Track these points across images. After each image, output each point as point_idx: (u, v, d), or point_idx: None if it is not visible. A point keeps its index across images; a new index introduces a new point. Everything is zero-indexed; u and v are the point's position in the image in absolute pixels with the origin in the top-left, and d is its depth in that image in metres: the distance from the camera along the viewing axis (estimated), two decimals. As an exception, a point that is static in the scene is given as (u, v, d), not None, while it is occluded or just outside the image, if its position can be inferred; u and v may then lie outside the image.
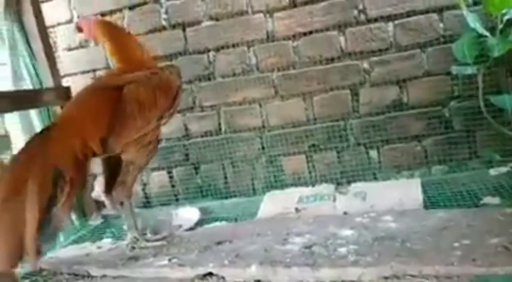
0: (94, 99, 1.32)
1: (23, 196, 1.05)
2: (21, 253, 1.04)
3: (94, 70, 2.22)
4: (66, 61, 2.22)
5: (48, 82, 1.96)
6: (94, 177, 2.27)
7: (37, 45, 1.93)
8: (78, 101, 1.35)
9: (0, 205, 1.05)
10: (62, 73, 2.14)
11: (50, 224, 1.08)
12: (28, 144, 1.17)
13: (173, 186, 2.21)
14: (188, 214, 1.89)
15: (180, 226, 1.81)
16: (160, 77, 1.38)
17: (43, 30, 1.97)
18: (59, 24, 2.21)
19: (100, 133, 1.21)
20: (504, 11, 1.66)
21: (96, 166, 2.17)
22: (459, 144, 1.88)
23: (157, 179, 2.23)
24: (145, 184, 2.24)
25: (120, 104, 1.25)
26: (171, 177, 2.22)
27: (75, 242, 1.83)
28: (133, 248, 1.50)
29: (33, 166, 1.09)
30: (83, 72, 2.23)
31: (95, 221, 2.07)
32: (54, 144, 1.14)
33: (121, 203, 1.42)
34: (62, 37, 2.22)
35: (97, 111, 1.26)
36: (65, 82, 2.13)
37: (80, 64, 2.22)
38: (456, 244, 1.13)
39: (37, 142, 1.16)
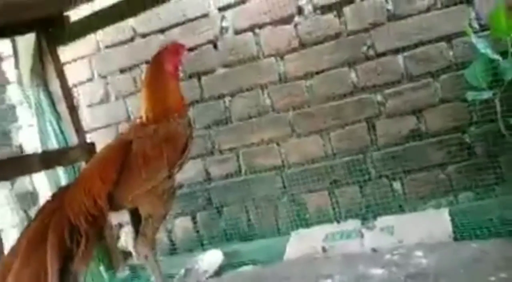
0: (105, 155, 1.42)
1: (44, 247, 1.15)
2: None
3: (116, 124, 2.30)
4: (88, 117, 2.32)
5: (73, 139, 2.05)
6: (120, 226, 2.31)
7: (62, 106, 2.04)
8: (95, 158, 1.46)
9: (25, 252, 1.16)
10: (85, 128, 2.23)
11: (69, 277, 1.16)
12: (52, 197, 1.31)
13: (197, 231, 2.22)
14: (211, 257, 1.88)
15: (205, 272, 1.79)
16: (168, 130, 1.38)
17: (67, 91, 2.08)
18: (80, 83, 2.33)
19: (106, 188, 1.27)
20: (512, 34, 1.67)
21: (122, 215, 2.22)
22: (484, 169, 1.84)
23: (181, 225, 2.25)
24: (169, 231, 2.26)
25: (127, 159, 1.31)
26: (195, 222, 2.23)
27: (105, 295, 1.84)
28: None
29: (53, 219, 1.20)
30: (106, 127, 2.32)
31: (123, 272, 2.08)
32: (69, 199, 1.26)
33: (146, 256, 1.42)
34: (84, 94, 2.33)
35: (105, 168, 1.33)
36: (89, 138, 2.21)
37: (102, 119, 2.32)
38: (492, 278, 1.09)
39: (58, 196, 1.30)
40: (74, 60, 2.32)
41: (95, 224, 1.24)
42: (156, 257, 1.50)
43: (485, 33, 1.80)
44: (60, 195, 1.31)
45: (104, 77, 2.31)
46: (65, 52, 2.21)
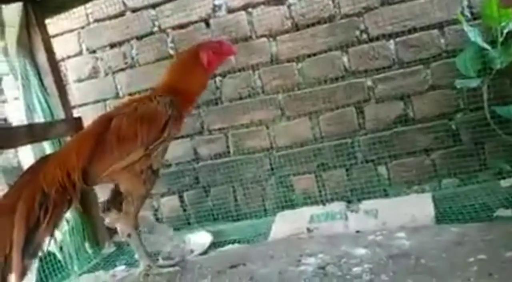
0: (85, 131, 1.44)
1: (14, 214, 1.20)
2: (5, 269, 1.16)
3: (104, 100, 2.27)
4: (76, 92, 2.28)
5: (60, 114, 2.01)
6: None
7: (49, 79, 1.99)
8: (78, 133, 1.45)
9: None
10: (73, 104, 2.20)
11: (33, 243, 1.21)
12: (28, 168, 1.34)
13: (184, 210, 2.23)
14: (200, 238, 1.90)
15: (192, 251, 1.81)
16: (146, 109, 1.36)
17: (54, 65, 2.03)
18: (69, 57, 2.28)
19: (80, 163, 1.29)
20: (503, 24, 1.69)
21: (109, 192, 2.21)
22: (468, 156, 1.88)
23: (168, 203, 2.25)
24: (156, 209, 2.26)
25: (103, 135, 1.31)
26: (182, 201, 2.23)
27: (89, 271, 1.84)
28: (147, 275, 1.50)
29: (25, 190, 1.25)
30: (94, 103, 2.29)
31: (108, 249, 2.08)
32: (44, 171, 1.29)
33: (129, 234, 1.42)
34: (72, 69, 2.29)
35: (81, 143, 1.35)
36: (76, 113, 2.18)
37: (90, 95, 2.28)
38: (471, 259, 1.12)
39: (34, 168, 1.33)
40: (62, 33, 2.26)
41: (65, 196, 1.27)
42: (140, 234, 1.50)
43: (477, 21, 1.81)
44: (36, 167, 1.34)
45: (93, 52, 2.26)
46: (53, 25, 2.16)
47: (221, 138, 2.17)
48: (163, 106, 1.35)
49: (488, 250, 1.15)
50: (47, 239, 1.25)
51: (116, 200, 1.44)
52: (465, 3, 1.85)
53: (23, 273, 1.19)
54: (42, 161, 1.36)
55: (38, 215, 1.22)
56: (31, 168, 1.35)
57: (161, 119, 1.34)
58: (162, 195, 2.25)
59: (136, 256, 1.55)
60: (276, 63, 2.06)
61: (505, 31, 1.70)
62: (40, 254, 1.28)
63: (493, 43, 1.73)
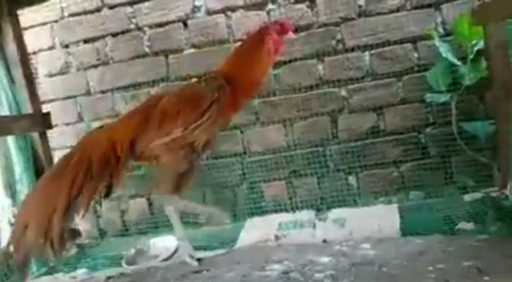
0: (137, 107, 1.48)
1: (62, 179, 1.25)
2: (46, 230, 1.19)
3: (74, 96, 2.22)
4: (46, 87, 2.21)
5: (27, 108, 1.95)
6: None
7: (18, 72, 1.93)
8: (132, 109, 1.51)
9: (45, 181, 1.31)
10: (42, 99, 2.13)
11: (71, 210, 1.23)
12: (83, 137, 1.43)
13: (152, 214, 2.18)
14: (165, 243, 1.85)
15: (157, 256, 1.77)
16: (193, 90, 1.41)
17: (24, 57, 1.97)
18: (40, 50, 2.21)
19: (127, 137, 1.34)
20: (473, 41, 1.74)
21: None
22: (435, 169, 1.92)
23: (136, 206, 2.20)
24: (123, 212, 2.21)
25: (152, 112, 1.37)
26: (150, 204, 2.19)
27: (48, 272, 1.77)
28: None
29: (74, 156, 1.30)
30: (64, 98, 2.22)
31: (70, 251, 2.01)
32: (92, 140, 1.36)
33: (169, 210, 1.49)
34: (43, 63, 2.23)
35: (130, 117, 1.41)
36: (45, 109, 2.11)
37: (60, 90, 2.22)
38: (430, 268, 1.15)
39: (88, 135, 1.43)
40: (35, 25, 2.20)
41: (107, 169, 1.29)
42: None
43: (449, 38, 1.86)
44: (90, 136, 1.41)
45: (66, 46, 2.20)
46: (26, 16, 2.09)
47: (194, 141, 2.14)
48: (210, 89, 1.36)
49: (447, 260, 1.18)
50: (82, 211, 1.25)
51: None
52: (439, 19, 1.90)
53: (61, 238, 1.21)
54: (94, 131, 1.43)
55: (82, 184, 1.24)
56: (82, 139, 1.41)
57: (205, 102, 1.34)
58: (131, 197, 2.20)
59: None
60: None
61: (475, 48, 1.75)
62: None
63: (463, 59, 1.78)
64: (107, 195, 1.33)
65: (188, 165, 1.42)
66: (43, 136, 1.97)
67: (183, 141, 1.37)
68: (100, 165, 1.28)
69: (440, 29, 1.89)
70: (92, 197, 1.27)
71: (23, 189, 1.88)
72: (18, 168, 1.89)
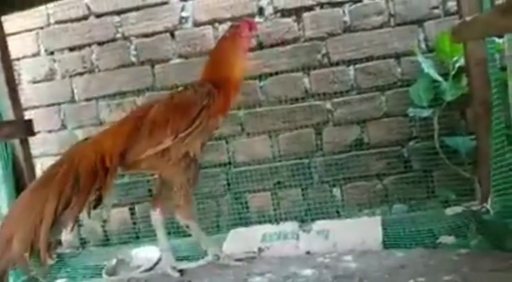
0: (125, 117, 1.47)
1: (48, 190, 1.22)
2: (32, 242, 1.17)
3: (59, 104, 2.19)
4: (30, 94, 2.18)
5: (9, 115, 1.91)
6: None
7: (0, 78, 1.90)
8: (121, 118, 1.50)
9: (30, 192, 1.26)
10: (26, 105, 2.10)
11: (59, 223, 1.21)
12: (70, 148, 1.40)
13: (134, 223, 2.15)
14: (147, 253, 1.83)
15: (139, 266, 1.74)
16: (181, 97, 1.40)
17: (7, 63, 1.94)
18: (25, 57, 2.19)
19: (117, 148, 1.31)
20: (455, 58, 1.78)
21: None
22: (418, 183, 1.95)
23: (117, 216, 2.17)
24: (105, 221, 2.17)
25: (141, 121, 1.36)
26: (132, 214, 2.16)
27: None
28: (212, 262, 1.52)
29: (60, 167, 1.27)
30: (47, 105, 2.20)
31: (53, 260, 1.97)
32: (80, 152, 1.32)
33: (187, 226, 1.50)
34: (27, 69, 2.20)
35: (120, 128, 1.39)
36: (27, 115, 2.08)
37: (44, 97, 2.19)
38: (411, 281, 1.15)
39: (74, 147, 1.39)
40: (20, 32, 2.18)
41: (96, 180, 1.26)
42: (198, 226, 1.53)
43: (431, 54, 1.90)
44: (74, 148, 1.37)
45: (51, 53, 2.18)
46: (10, 22, 2.07)
47: (179, 151, 2.13)
48: (199, 95, 1.37)
49: (428, 273, 1.19)
50: (69, 224, 1.23)
51: (163, 194, 1.48)
52: (422, 36, 1.94)
53: (48, 249, 1.20)
54: (81, 143, 1.39)
55: (69, 196, 1.22)
56: (69, 150, 1.38)
57: (194, 109, 1.35)
58: (113, 206, 2.17)
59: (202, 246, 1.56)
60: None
61: (457, 65, 1.80)
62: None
63: (445, 75, 1.82)
64: (96, 205, 1.31)
65: (192, 176, 1.42)
66: (25, 143, 1.93)
67: (176, 151, 1.36)
68: (88, 177, 1.25)
69: (423, 46, 1.94)
70: (81, 209, 1.24)
71: (2, 196, 1.84)
72: (-3, 175, 1.85)
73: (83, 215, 1.27)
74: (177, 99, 1.41)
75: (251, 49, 1.66)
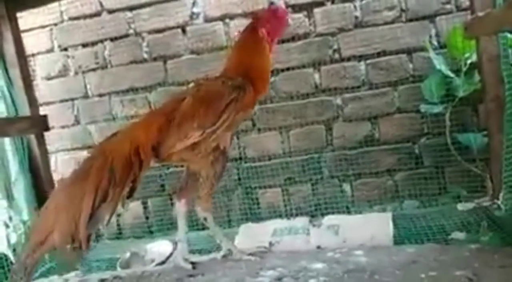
0: (158, 108, 1.46)
1: (85, 184, 1.20)
2: (72, 234, 1.16)
3: (72, 99, 2.22)
4: (44, 90, 2.22)
5: (25, 110, 1.95)
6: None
7: (16, 74, 1.93)
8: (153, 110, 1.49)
9: (68, 186, 1.24)
10: (40, 101, 2.14)
11: (96, 216, 1.19)
12: (102, 142, 1.37)
13: (147, 218, 2.18)
14: (160, 248, 1.86)
15: (152, 260, 1.77)
16: (208, 90, 1.36)
17: (23, 59, 1.97)
18: (39, 53, 2.22)
19: (150, 140, 1.30)
20: (467, 54, 1.77)
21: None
22: (429, 179, 1.94)
23: (131, 210, 2.20)
24: (119, 215, 2.21)
25: (172, 114, 1.33)
26: (145, 208, 2.19)
27: (42, 275, 1.77)
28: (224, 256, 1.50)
29: (95, 161, 1.25)
30: (61, 101, 2.23)
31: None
32: (113, 145, 1.30)
33: (205, 218, 1.46)
34: (42, 66, 2.23)
35: (153, 119, 1.36)
36: (42, 111, 2.12)
37: (58, 93, 2.23)
38: (423, 275, 1.16)
39: (106, 141, 1.35)
40: (34, 28, 2.21)
41: (130, 172, 1.25)
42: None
43: (443, 50, 1.89)
44: (106, 141, 1.35)
45: (65, 49, 2.21)
46: (25, 19, 2.10)
47: (190, 146, 2.15)
48: (226, 88, 1.31)
49: (440, 268, 1.19)
50: (107, 217, 1.22)
51: (188, 185, 1.45)
52: (433, 31, 1.93)
53: (87, 242, 1.19)
54: (113, 136, 1.36)
55: (106, 189, 1.20)
56: (102, 143, 1.35)
57: (221, 102, 1.30)
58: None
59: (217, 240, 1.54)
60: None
61: (469, 61, 1.78)
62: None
63: (457, 72, 1.81)
64: (128, 197, 1.30)
65: (220, 168, 1.39)
66: (40, 139, 1.97)
67: (206, 145, 1.33)
68: (123, 170, 1.24)
69: (434, 42, 1.93)
70: (117, 202, 1.23)
71: (18, 191, 1.88)
72: (14, 169, 1.89)
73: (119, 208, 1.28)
74: (203, 92, 1.37)
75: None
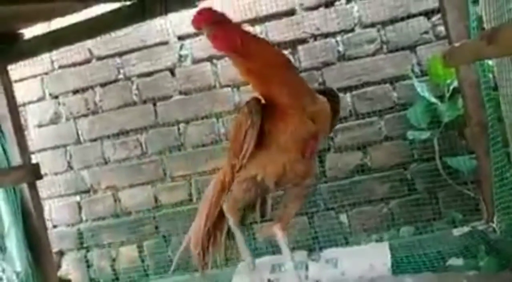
0: None
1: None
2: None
3: (64, 146, 2.24)
4: (36, 137, 2.24)
5: (17, 159, 1.95)
6: (61, 254, 2.21)
7: (7, 124, 1.95)
8: None
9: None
10: (32, 149, 2.15)
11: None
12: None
13: (142, 261, 2.15)
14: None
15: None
16: (235, 118, 1.38)
17: (14, 110, 1.99)
18: (30, 102, 2.26)
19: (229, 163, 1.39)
20: (449, 81, 1.82)
21: (62, 242, 2.12)
22: (423, 205, 1.95)
23: (126, 254, 2.17)
24: (113, 260, 2.18)
25: None
26: (140, 251, 2.16)
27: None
28: None
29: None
30: (54, 148, 2.24)
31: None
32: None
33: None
34: (33, 114, 2.26)
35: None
36: (34, 158, 2.13)
37: (50, 140, 2.24)
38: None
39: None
40: (26, 78, 2.25)
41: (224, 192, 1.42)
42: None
43: (426, 78, 1.94)
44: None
45: (56, 97, 2.25)
46: (17, 69, 2.14)
47: (184, 185, 2.16)
48: (242, 115, 1.24)
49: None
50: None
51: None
52: (415, 60, 1.99)
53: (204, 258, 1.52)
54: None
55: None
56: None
57: (241, 129, 1.23)
58: (121, 245, 2.17)
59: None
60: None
61: (452, 87, 1.83)
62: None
63: (441, 97, 1.86)
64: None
65: (254, 198, 1.43)
66: (32, 187, 1.96)
67: (245, 175, 1.33)
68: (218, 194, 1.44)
69: (417, 70, 1.98)
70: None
71: (11, 241, 1.86)
72: (7, 220, 1.87)
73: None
74: (234, 122, 1.42)
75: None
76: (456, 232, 1.73)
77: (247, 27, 2.08)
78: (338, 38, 2.03)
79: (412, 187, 1.98)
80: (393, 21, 1.98)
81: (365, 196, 2.01)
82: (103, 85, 2.20)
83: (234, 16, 2.06)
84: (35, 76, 2.26)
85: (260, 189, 1.36)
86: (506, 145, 1.47)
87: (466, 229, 1.72)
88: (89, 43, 2.17)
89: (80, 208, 2.23)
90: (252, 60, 1.22)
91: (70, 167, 2.24)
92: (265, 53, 1.25)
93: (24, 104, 2.24)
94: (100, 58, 2.21)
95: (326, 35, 2.04)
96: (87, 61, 2.22)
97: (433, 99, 1.86)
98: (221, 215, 1.44)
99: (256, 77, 1.25)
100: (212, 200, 1.45)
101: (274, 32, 2.06)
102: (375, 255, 1.69)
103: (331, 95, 1.37)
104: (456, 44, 1.43)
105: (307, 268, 1.76)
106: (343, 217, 2.04)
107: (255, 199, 1.47)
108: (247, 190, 1.36)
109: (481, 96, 1.54)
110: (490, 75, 1.62)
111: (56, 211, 2.23)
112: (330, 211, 2.04)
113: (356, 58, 2.01)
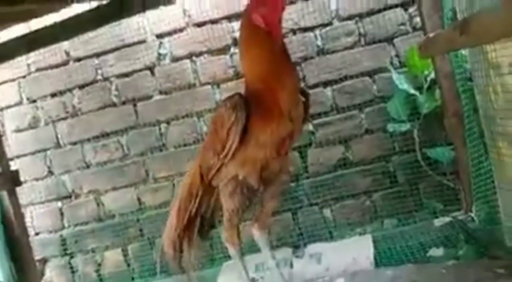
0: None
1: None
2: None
3: (44, 150, 2.20)
4: (14, 143, 2.20)
5: (-5, 167, 1.92)
6: (44, 261, 2.18)
7: (-18, 131, 1.92)
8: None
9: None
10: (10, 155, 2.11)
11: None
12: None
13: (128, 265, 2.13)
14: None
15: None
16: (215, 114, 1.30)
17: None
18: (8, 107, 2.22)
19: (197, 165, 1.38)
20: (426, 72, 1.82)
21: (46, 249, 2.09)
22: (405, 196, 1.96)
23: (111, 258, 2.15)
24: (99, 264, 2.15)
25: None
26: (125, 255, 2.14)
27: None
28: None
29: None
30: (33, 153, 2.21)
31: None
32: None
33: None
34: (11, 119, 2.22)
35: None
36: (14, 165, 2.09)
37: (29, 145, 2.21)
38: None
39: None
40: (2, 82, 2.21)
41: (197, 196, 1.37)
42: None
43: (404, 70, 1.94)
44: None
45: (34, 101, 2.21)
46: (-9, 75, 2.11)
47: (167, 186, 2.14)
48: (225, 110, 1.19)
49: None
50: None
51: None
52: (393, 52, 1.99)
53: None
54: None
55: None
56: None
57: (224, 125, 1.18)
58: (106, 249, 2.15)
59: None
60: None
61: (429, 78, 1.84)
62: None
63: (420, 89, 1.86)
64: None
65: (239, 204, 1.33)
66: (12, 194, 1.93)
67: (224, 175, 1.28)
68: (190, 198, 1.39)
69: (395, 62, 1.99)
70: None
71: (-9, 250, 1.83)
72: (-14, 228, 1.84)
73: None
74: (213, 118, 1.31)
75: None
76: (437, 222, 1.75)
77: (224, 24, 2.07)
78: (317, 32, 2.02)
79: (393, 179, 1.99)
80: (369, 13, 1.97)
81: (348, 189, 2.01)
82: (81, 87, 2.17)
83: (211, 13, 2.06)
84: (12, 80, 2.22)
85: (247, 189, 1.31)
86: (482, 135, 1.48)
87: (446, 219, 1.73)
88: (65, 44, 2.14)
89: (62, 213, 2.19)
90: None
91: (50, 172, 2.20)
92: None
93: (1, 109, 2.21)
94: (77, 60, 2.17)
95: (305, 30, 2.03)
96: (64, 63, 2.18)
97: (412, 91, 1.87)
98: (191, 218, 1.41)
99: (266, 69, 1.21)
100: (180, 205, 1.40)
101: (252, 28, 2.04)
102: (358, 249, 1.70)
103: (303, 95, 1.36)
104: (431, 35, 1.44)
105: (291, 265, 1.76)
106: (327, 212, 2.04)
107: (248, 204, 1.39)
108: (234, 192, 1.30)
109: (456, 87, 1.55)
110: (466, 66, 1.63)
111: (37, 218, 2.20)
112: (314, 206, 2.04)
113: (334, 51, 2.01)
